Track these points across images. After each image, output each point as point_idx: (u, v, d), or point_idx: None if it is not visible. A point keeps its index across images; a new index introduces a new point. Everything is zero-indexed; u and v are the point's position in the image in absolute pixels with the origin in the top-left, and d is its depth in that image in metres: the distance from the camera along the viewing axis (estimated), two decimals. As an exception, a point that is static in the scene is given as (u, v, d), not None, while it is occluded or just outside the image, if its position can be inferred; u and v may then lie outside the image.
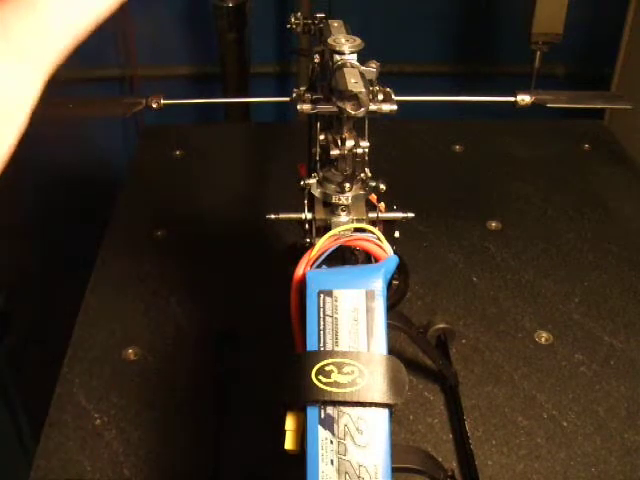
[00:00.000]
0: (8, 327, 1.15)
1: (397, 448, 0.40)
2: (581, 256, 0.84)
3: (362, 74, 0.44)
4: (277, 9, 1.49)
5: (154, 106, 0.53)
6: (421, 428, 0.64)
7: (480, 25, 1.52)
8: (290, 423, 0.41)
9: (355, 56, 0.46)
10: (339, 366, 0.38)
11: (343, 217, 0.48)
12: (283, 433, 0.41)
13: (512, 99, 0.52)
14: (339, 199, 0.48)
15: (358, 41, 0.47)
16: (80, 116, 1.09)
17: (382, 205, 0.51)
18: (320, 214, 0.50)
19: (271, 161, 1.01)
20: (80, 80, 1.52)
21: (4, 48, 0.32)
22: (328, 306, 0.40)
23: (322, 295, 0.40)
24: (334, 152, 0.46)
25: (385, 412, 0.38)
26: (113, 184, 1.06)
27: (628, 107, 0.56)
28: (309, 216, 0.50)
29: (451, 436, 0.63)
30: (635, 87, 1.22)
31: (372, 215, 0.50)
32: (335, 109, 0.43)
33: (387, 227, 0.51)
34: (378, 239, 0.44)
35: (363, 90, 0.41)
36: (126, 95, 1.55)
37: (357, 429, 0.37)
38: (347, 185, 0.47)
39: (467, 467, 0.60)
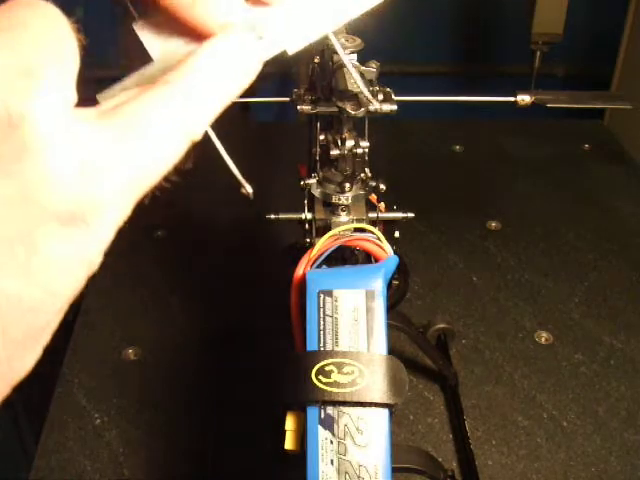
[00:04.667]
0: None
1: (397, 448, 0.40)
2: (581, 256, 0.84)
3: (362, 74, 0.44)
4: (277, 9, 1.49)
5: (154, 106, 0.53)
6: (421, 428, 0.64)
7: (480, 25, 1.52)
8: (290, 423, 0.41)
9: (355, 56, 0.46)
10: (339, 366, 0.38)
11: (343, 217, 0.48)
12: (283, 433, 0.41)
13: (512, 99, 0.52)
14: (339, 199, 0.48)
15: (358, 41, 0.47)
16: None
17: (382, 205, 0.51)
18: (320, 214, 0.50)
19: (271, 161, 1.01)
20: (80, 80, 1.52)
21: None
22: (328, 306, 0.40)
23: (322, 295, 0.40)
24: (334, 152, 0.46)
25: (385, 412, 0.38)
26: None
27: (628, 107, 0.56)
28: (309, 216, 0.50)
29: (451, 436, 0.63)
30: (635, 87, 1.22)
31: (372, 215, 0.50)
32: (335, 109, 0.43)
33: (387, 227, 0.51)
34: (378, 239, 0.44)
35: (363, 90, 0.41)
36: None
37: (357, 429, 0.37)
38: (347, 185, 0.47)
39: (467, 467, 0.60)
